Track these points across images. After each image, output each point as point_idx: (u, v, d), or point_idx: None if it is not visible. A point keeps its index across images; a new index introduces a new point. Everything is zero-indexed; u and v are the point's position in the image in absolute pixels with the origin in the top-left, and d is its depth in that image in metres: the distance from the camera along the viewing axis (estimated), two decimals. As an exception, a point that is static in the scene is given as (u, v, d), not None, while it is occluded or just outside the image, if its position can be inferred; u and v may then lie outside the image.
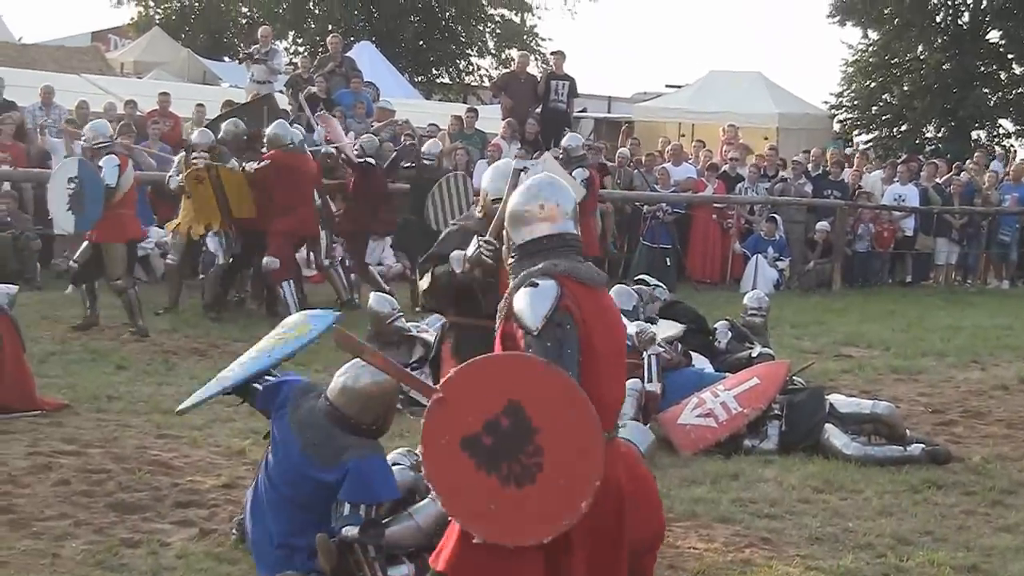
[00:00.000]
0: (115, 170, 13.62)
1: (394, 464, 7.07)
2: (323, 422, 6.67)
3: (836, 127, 39.05)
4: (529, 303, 5.12)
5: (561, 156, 16.66)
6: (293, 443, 6.69)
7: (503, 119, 21.77)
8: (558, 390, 5.01)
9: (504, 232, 5.53)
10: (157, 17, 45.20)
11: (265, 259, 14.82)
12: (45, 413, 10.11)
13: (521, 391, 5.02)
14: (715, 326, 12.71)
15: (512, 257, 5.43)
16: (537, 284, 5.14)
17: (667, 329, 11.79)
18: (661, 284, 13.91)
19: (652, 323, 11.81)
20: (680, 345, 11.64)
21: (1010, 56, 40.43)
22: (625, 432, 7.96)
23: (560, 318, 5.09)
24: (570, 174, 15.90)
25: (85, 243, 13.86)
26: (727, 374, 11.15)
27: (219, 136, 15.69)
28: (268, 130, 15.31)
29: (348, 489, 6.49)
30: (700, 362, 11.83)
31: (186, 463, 8.96)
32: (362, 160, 16.43)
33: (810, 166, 22.78)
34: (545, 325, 5.07)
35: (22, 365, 10.37)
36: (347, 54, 24.43)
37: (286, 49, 40.04)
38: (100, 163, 13.60)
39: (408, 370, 11.02)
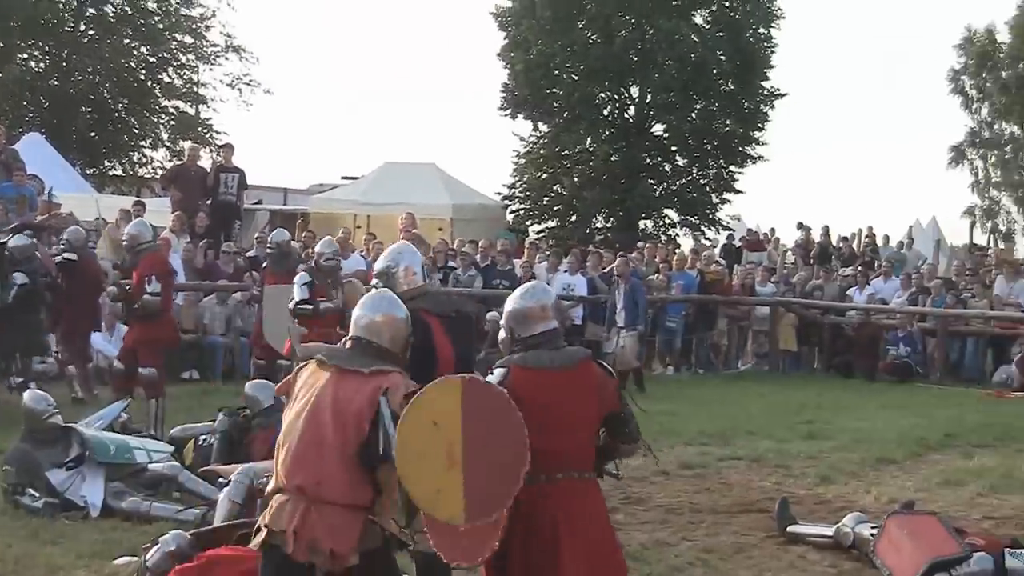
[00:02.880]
0: None
1: None
2: None
3: (509, 218, 39.63)
4: None
5: (273, 251, 16.60)
6: None
7: (172, 211, 21.53)
8: None
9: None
10: None
11: None
12: None
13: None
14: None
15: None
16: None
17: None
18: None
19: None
20: None
21: (673, 148, 41.75)
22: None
23: None
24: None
25: None
26: None
27: None
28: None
29: None
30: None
31: None
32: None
33: (479, 256, 23.15)
34: None
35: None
36: (13, 146, 23.68)
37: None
38: None
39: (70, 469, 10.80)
